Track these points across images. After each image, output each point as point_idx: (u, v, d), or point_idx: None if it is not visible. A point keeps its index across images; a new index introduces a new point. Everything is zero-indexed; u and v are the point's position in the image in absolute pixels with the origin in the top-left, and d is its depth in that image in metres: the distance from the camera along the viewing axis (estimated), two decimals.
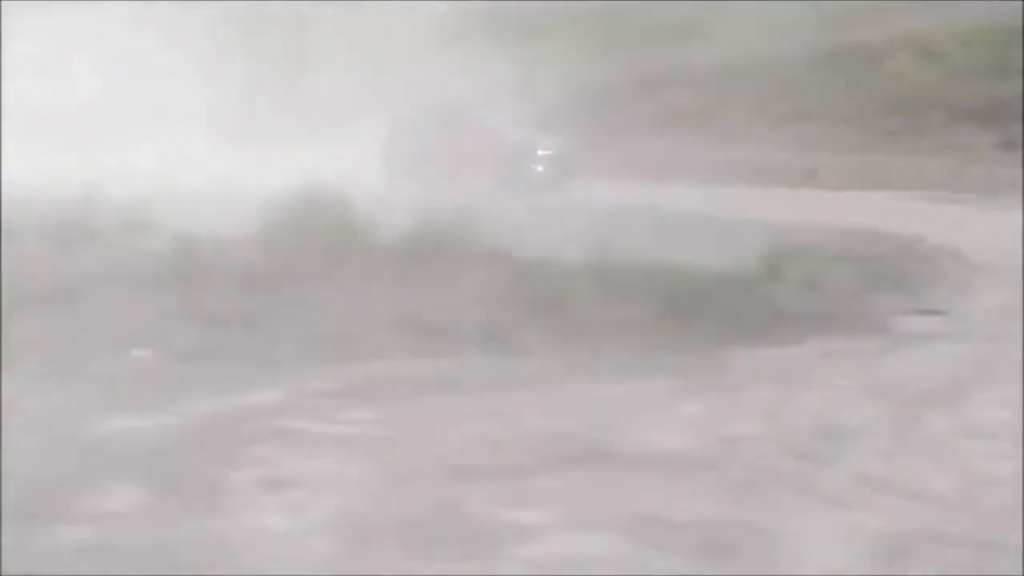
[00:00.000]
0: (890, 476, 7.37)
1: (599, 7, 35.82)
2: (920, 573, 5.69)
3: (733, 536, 6.30)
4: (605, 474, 7.21)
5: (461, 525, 6.32)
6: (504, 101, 29.51)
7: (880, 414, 8.51)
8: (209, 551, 5.53)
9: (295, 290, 10.05)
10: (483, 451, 7.52)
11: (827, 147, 23.06)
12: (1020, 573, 5.76)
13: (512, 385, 9.10)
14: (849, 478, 7.33)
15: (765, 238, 13.45)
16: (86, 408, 7.86)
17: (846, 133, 23.12)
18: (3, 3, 30.49)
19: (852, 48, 24.99)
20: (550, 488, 6.95)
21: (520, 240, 11.26)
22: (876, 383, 9.24)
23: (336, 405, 8.44)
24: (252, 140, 19.69)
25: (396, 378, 9.23)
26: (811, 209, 18.63)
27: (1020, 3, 23.87)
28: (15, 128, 22.26)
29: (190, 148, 21.65)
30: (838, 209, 18.49)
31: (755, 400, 8.76)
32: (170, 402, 8.04)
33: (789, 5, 28.65)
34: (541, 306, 10.42)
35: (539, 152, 21.39)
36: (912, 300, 12.37)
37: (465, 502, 6.65)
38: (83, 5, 26.01)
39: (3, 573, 5.29)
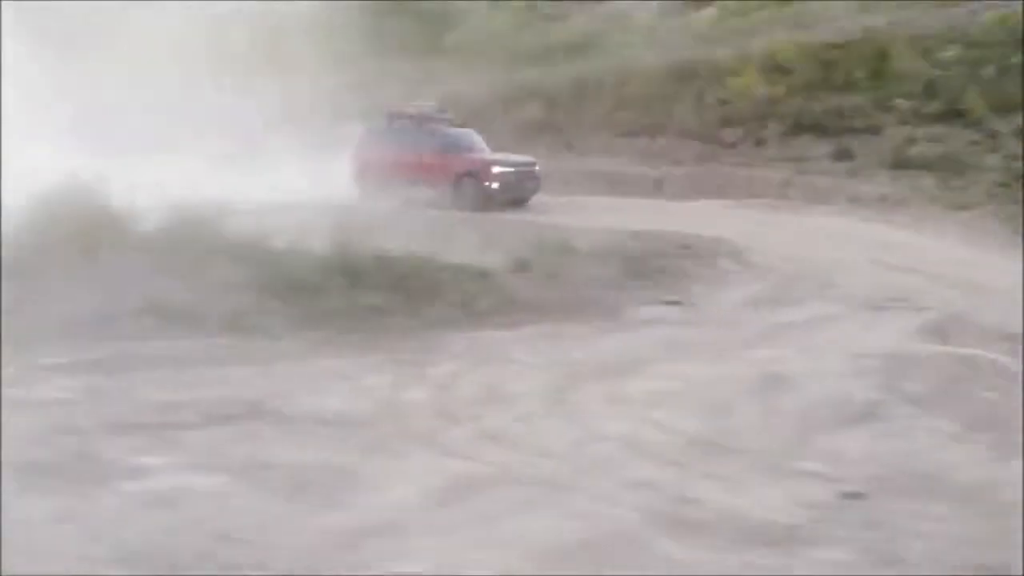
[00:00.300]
0: (514, 434, 8.29)
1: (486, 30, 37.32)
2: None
3: (321, 477, 7.20)
4: (252, 430, 8.06)
5: (87, 465, 7.17)
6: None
7: (545, 385, 9.41)
8: None
9: (54, 279, 10.81)
10: (154, 412, 8.34)
11: (673, 159, 24.15)
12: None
13: (231, 362, 9.89)
14: (475, 435, 8.23)
15: (543, 238, 14.36)
16: None
17: (692, 145, 24.18)
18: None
19: (704, 65, 26.12)
20: (193, 439, 7.81)
21: (277, 232, 12.05)
22: (562, 360, 10.15)
23: (52, 376, 9.19)
24: (121, 152, 20.13)
25: (128, 355, 9.98)
26: (632, 215, 19.66)
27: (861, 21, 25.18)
28: None
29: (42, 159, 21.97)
30: (660, 215, 19.48)
31: (439, 373, 9.65)
32: None
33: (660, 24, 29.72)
34: (288, 293, 11.25)
35: (495, 170, 21.28)
36: (663, 292, 13.29)
37: (105, 449, 7.49)
38: None
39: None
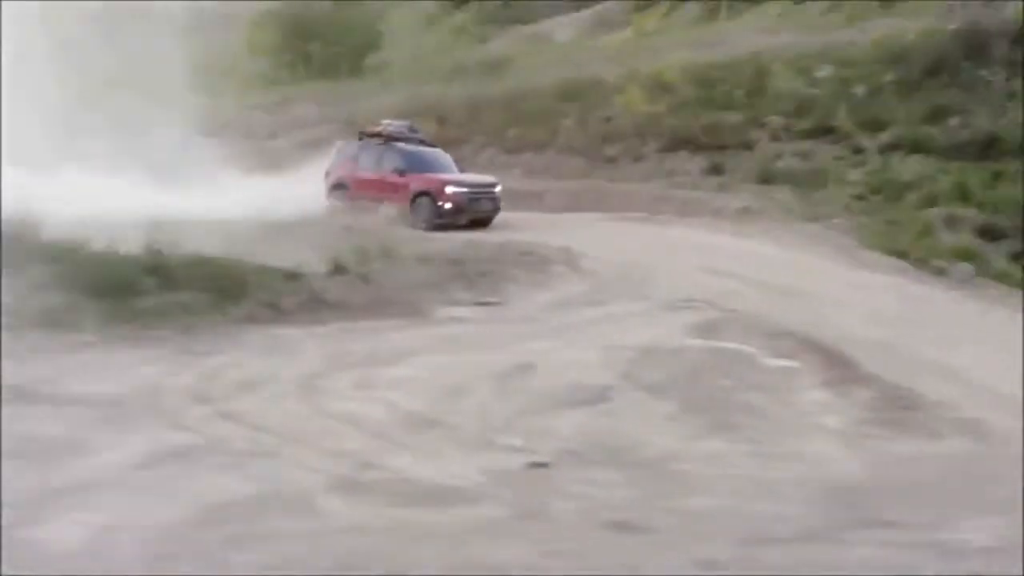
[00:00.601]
0: (249, 412, 9.03)
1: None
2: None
3: (53, 445, 7.95)
4: (16, 409, 8.75)
5: None
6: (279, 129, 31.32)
7: (306, 372, 10.16)
8: None
9: None
10: None
11: (556, 173, 24.96)
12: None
13: (27, 353, 10.57)
14: (213, 413, 8.98)
15: (374, 243, 15.11)
16: None
17: (575, 160, 25.00)
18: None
19: (592, 84, 27.04)
20: None
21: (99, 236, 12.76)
22: (339, 352, 10.90)
23: None
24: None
25: None
26: (495, 226, 20.48)
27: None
28: None
29: None
30: (527, 226, 20.28)
31: (214, 363, 10.39)
32: None
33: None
34: (103, 292, 11.94)
35: (448, 190, 21.50)
36: (481, 294, 14.05)
37: None
38: None
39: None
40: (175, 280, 12.36)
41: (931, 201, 21.15)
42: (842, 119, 23.81)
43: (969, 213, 20.68)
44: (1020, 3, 27.16)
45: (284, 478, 7.51)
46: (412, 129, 24.23)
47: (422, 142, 23.88)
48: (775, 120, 24.35)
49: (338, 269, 13.41)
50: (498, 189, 22.51)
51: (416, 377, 10.08)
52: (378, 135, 23.43)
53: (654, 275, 15.86)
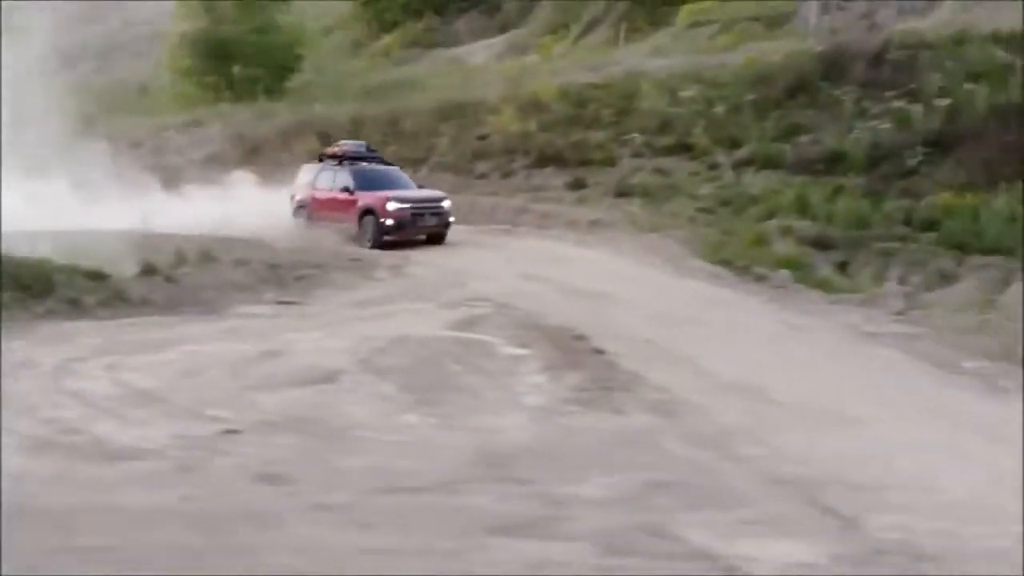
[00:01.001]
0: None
1: None
2: None
3: None
4: None
5: None
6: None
7: (67, 358, 11.20)
8: None
9: None
10: None
11: (430, 188, 26.05)
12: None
13: None
14: None
15: (195, 248, 16.19)
16: None
17: (448, 176, 26.09)
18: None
19: (471, 103, 28.27)
20: None
21: None
22: (117, 341, 11.95)
23: None
24: None
25: None
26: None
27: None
28: None
29: None
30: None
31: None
32: None
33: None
34: None
35: (389, 207, 21.25)
36: (287, 295, 15.12)
37: None
38: None
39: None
40: None
41: (772, 213, 22.33)
42: (699, 136, 25.04)
43: (804, 225, 21.86)
44: (890, 27, 28.68)
45: None
46: (369, 148, 24.66)
47: (381, 161, 24.27)
48: (637, 138, 25.56)
49: (147, 270, 14.45)
50: (445, 204, 22.58)
51: (168, 361, 11.13)
52: (334, 156, 23.84)
53: (469, 280, 16.94)
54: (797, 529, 7.85)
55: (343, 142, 24.97)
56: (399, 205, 21.99)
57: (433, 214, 22.40)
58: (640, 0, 40.23)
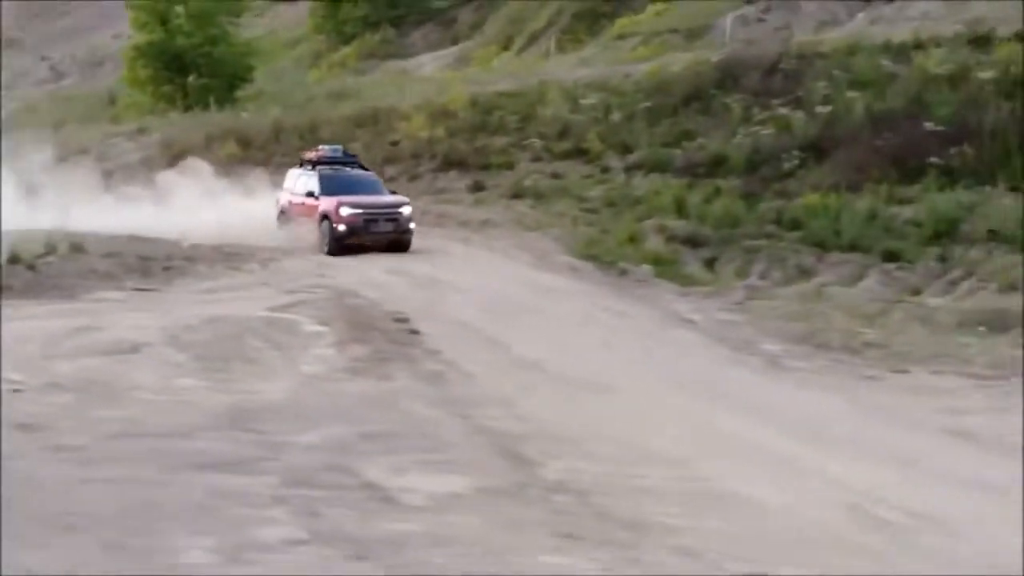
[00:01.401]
0: None
1: None
2: None
3: None
4: None
5: None
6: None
7: None
8: None
9: None
10: None
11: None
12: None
13: None
14: None
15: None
16: None
17: None
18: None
19: (387, 111, 29.71)
20: None
21: None
22: None
23: None
24: None
25: None
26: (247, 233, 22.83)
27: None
28: None
29: None
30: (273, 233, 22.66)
31: None
32: None
33: None
34: None
35: (342, 212, 20.55)
36: (147, 282, 16.44)
37: None
38: None
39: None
40: None
41: (651, 213, 23.61)
42: (594, 142, 26.37)
43: (680, 224, 23.13)
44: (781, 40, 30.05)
45: None
46: (347, 153, 24.37)
47: (359, 166, 23.87)
48: (537, 143, 26.90)
49: (12, 260, 15.78)
50: (404, 211, 21.66)
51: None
52: (309, 160, 23.47)
53: (332, 272, 18.25)
54: (469, 469, 9.08)
55: (321, 147, 24.51)
56: (352, 211, 21.22)
57: (388, 220, 21.56)
58: (580, 15, 41.77)
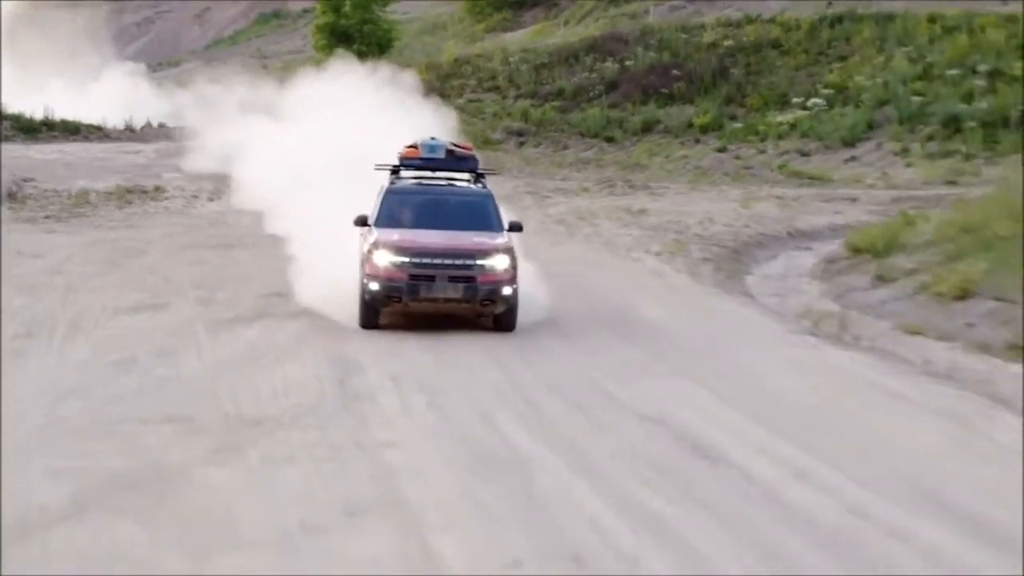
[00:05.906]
0: None
1: None
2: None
3: None
4: None
5: None
6: None
7: None
8: None
9: None
10: None
11: None
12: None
13: None
14: None
15: None
16: None
17: None
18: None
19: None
20: None
21: None
22: None
23: None
24: None
25: None
26: None
27: None
28: None
29: None
30: None
31: None
32: None
33: None
34: None
35: (378, 258, 15.34)
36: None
37: None
38: None
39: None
40: None
41: (506, 119, 44.21)
42: (503, 82, 47.21)
43: (518, 124, 43.71)
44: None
45: None
46: (453, 150, 20.75)
47: (474, 172, 20.34)
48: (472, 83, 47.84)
49: None
50: (492, 263, 15.05)
51: None
52: (397, 165, 20.01)
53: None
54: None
55: (418, 141, 19.80)
56: (393, 258, 16.05)
57: (457, 279, 14.72)
58: None
